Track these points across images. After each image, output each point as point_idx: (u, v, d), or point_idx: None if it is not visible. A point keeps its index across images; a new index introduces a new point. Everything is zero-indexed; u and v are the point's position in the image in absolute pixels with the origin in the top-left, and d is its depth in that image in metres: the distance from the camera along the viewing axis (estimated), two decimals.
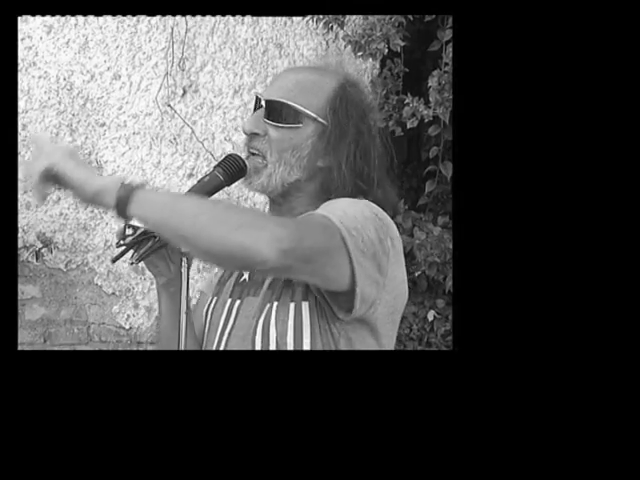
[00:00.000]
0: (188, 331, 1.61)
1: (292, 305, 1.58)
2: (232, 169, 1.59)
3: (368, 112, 1.68)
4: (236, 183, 1.63)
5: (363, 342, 1.59)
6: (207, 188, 1.57)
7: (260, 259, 1.38)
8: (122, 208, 1.41)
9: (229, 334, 1.64)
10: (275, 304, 1.59)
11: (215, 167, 1.59)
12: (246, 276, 1.67)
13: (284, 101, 1.62)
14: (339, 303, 1.54)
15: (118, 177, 1.44)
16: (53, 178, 1.42)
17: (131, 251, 1.57)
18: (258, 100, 1.67)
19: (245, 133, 1.65)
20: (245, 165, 1.61)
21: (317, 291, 1.56)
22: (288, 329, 1.57)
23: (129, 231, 1.53)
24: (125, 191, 1.41)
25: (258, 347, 1.58)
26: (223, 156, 1.64)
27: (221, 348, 1.64)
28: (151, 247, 1.55)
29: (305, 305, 1.57)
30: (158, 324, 1.74)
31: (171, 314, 1.67)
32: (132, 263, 1.56)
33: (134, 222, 1.51)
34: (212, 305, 1.71)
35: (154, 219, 1.43)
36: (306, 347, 1.56)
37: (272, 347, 1.57)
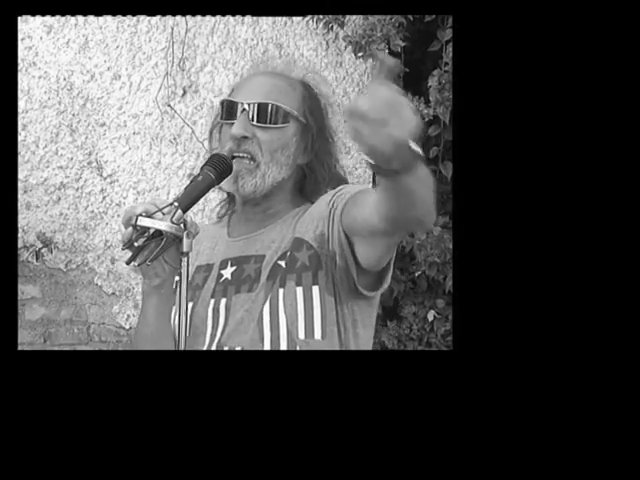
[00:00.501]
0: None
1: (299, 289, 1.62)
2: (221, 167, 1.61)
3: (330, 110, 1.77)
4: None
5: (364, 324, 1.67)
6: (201, 187, 1.58)
7: (429, 228, 1.52)
8: (397, 176, 1.30)
9: (222, 332, 1.64)
10: (281, 291, 1.61)
11: (204, 166, 1.60)
12: (227, 275, 1.69)
13: (272, 102, 1.66)
14: (366, 281, 1.63)
15: (408, 143, 1.25)
16: (395, 147, 1.23)
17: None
18: (229, 105, 1.69)
19: (235, 138, 1.66)
20: (231, 163, 1.63)
21: (346, 270, 1.60)
22: (298, 313, 1.61)
23: (135, 233, 1.53)
24: (408, 166, 1.28)
25: (267, 335, 1.61)
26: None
27: (214, 346, 1.64)
28: (157, 248, 1.55)
29: (315, 289, 1.61)
30: (140, 327, 1.70)
31: (160, 317, 1.66)
32: (139, 264, 1.56)
33: (141, 223, 1.52)
34: (189, 310, 1.69)
35: (412, 193, 1.35)
36: (317, 330, 1.61)
37: (282, 333, 1.60)
